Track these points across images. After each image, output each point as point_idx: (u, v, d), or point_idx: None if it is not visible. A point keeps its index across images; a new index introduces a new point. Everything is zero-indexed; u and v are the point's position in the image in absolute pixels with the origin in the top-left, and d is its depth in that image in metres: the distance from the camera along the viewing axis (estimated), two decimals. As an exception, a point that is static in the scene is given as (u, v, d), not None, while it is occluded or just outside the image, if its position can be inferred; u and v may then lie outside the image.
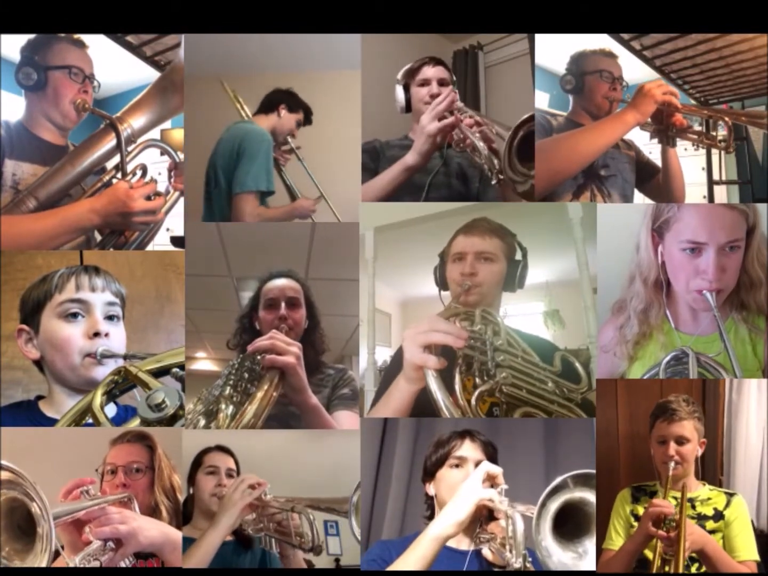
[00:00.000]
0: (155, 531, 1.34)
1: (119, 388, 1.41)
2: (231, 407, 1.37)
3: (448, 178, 1.79)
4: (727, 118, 1.76)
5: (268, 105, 2.00)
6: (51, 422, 1.47)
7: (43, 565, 1.13)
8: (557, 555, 1.13)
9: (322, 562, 1.59)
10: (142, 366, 1.40)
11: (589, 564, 1.15)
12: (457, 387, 1.28)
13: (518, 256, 1.60)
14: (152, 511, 1.53)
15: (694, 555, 1.54)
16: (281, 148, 2.02)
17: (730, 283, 1.52)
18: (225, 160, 1.87)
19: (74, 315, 1.48)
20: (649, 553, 1.53)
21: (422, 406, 1.31)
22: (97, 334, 1.47)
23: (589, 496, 1.15)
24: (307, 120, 2.06)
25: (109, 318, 1.51)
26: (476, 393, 1.26)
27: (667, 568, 1.47)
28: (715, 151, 1.90)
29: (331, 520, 2.19)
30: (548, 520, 1.13)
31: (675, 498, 1.56)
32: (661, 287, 1.59)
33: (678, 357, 1.50)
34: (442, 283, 1.63)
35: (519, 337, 1.40)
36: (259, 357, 1.40)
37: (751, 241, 1.52)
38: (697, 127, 1.80)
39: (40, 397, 1.53)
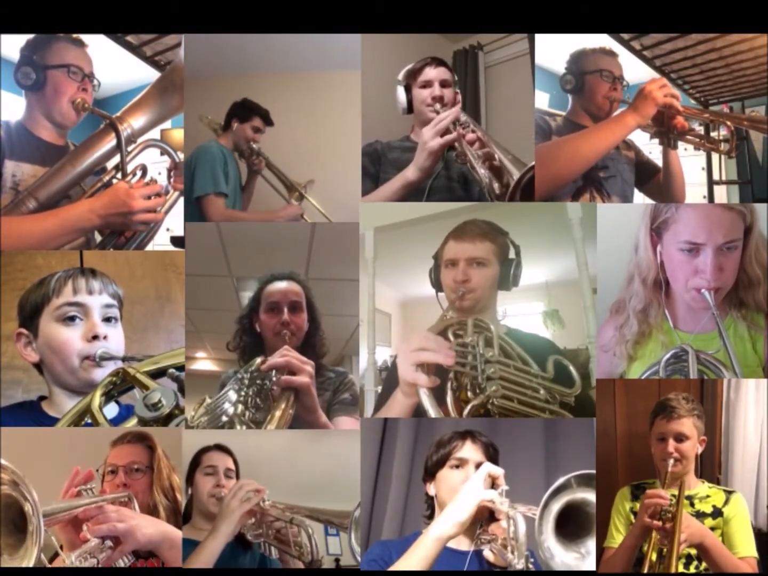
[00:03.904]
0: (153, 529, 1.34)
1: (117, 390, 1.41)
2: (244, 427, 1.38)
3: (449, 182, 1.77)
4: (729, 123, 1.74)
5: (227, 122, 2.11)
6: (54, 422, 1.46)
7: (32, 560, 1.13)
8: (560, 556, 1.12)
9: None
10: (140, 367, 1.40)
11: (592, 565, 1.15)
12: (449, 401, 1.29)
13: (511, 254, 1.59)
14: (151, 512, 1.53)
15: (693, 553, 1.54)
16: (251, 156, 2.11)
17: (728, 282, 1.52)
18: (188, 177, 1.99)
19: (72, 318, 1.47)
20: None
21: (422, 411, 1.31)
22: (95, 337, 1.47)
23: (592, 496, 1.14)
24: (268, 122, 2.11)
25: (107, 320, 1.51)
26: (467, 408, 1.28)
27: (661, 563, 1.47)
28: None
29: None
30: (551, 520, 1.12)
31: (674, 496, 1.56)
32: (659, 287, 1.59)
33: (678, 355, 1.50)
34: (437, 285, 1.62)
35: (514, 341, 1.40)
36: (275, 378, 1.40)
37: (749, 241, 1.52)
38: (698, 128, 1.79)
39: (42, 398, 1.53)
